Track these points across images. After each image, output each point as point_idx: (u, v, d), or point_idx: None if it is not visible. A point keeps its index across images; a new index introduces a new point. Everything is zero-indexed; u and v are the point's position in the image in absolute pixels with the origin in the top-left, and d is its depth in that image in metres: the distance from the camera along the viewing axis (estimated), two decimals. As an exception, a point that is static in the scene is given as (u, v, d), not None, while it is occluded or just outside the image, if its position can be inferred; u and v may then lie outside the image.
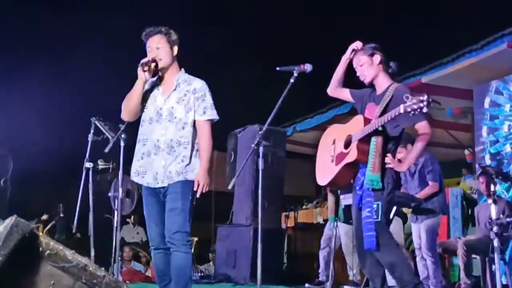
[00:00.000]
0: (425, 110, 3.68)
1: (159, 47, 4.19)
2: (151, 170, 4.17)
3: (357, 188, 4.22)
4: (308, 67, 4.25)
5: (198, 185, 4.11)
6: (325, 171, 4.51)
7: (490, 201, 5.91)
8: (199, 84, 4.24)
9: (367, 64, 4.32)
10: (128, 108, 4.23)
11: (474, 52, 7.63)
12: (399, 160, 4.28)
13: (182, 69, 4.32)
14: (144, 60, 4.13)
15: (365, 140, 4.10)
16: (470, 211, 7.61)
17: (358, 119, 4.32)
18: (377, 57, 4.31)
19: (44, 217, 15.97)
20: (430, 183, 6.53)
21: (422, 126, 4.13)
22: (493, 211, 5.53)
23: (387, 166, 4.12)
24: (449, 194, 7.60)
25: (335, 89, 4.59)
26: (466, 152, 10.03)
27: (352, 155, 4.16)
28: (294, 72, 4.25)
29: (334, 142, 4.50)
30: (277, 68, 4.26)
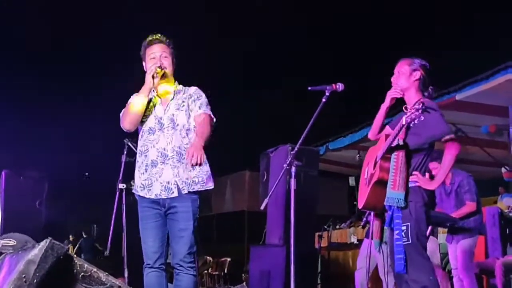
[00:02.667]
0: (422, 118, 3.67)
1: (166, 56, 4.17)
2: (159, 181, 4.05)
3: (387, 208, 4.12)
4: (339, 86, 4.23)
5: (192, 156, 3.86)
6: (362, 195, 4.44)
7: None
8: (193, 89, 4.25)
9: (405, 75, 4.27)
10: (131, 116, 4.10)
11: (510, 69, 7.51)
12: (431, 177, 4.20)
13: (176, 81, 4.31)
14: (156, 67, 4.07)
15: (386, 157, 4.05)
16: (508, 230, 7.45)
17: (381, 137, 4.30)
18: (417, 74, 4.26)
19: (71, 237, 16.17)
20: (467, 202, 6.42)
21: (447, 141, 4.07)
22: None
23: (415, 184, 4.07)
24: (486, 213, 7.46)
25: (377, 135, 4.54)
26: (503, 170, 9.86)
27: (376, 174, 4.11)
28: (326, 91, 4.23)
29: (368, 165, 4.46)
30: (309, 88, 4.25)
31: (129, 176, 6.06)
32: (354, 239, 10.25)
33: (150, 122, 4.13)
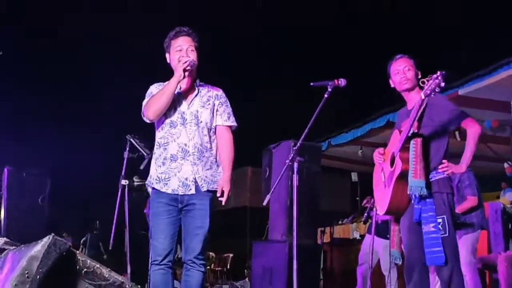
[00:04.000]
0: (442, 84, 3.69)
1: (192, 50, 4.08)
2: (177, 176, 3.99)
3: (415, 202, 4.10)
4: (342, 82, 4.22)
5: (223, 192, 4.01)
6: (382, 198, 4.40)
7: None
8: (220, 91, 4.22)
9: (414, 71, 4.30)
10: (157, 106, 3.98)
11: (512, 63, 7.49)
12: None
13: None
14: (189, 60, 3.99)
15: (405, 147, 4.06)
16: (511, 225, 7.43)
17: (394, 133, 4.31)
18: (418, 73, 4.31)
19: (65, 234, 16.17)
20: (468, 197, 6.40)
21: (467, 123, 4.11)
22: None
23: (443, 175, 4.07)
24: (489, 208, 7.44)
25: None
26: (506, 165, 9.84)
27: (398, 167, 4.10)
28: (328, 87, 4.23)
29: (382, 169, 4.44)
30: (311, 84, 4.24)
31: (132, 173, 6.07)
32: (356, 235, 10.26)
33: (172, 115, 4.05)
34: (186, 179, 3.96)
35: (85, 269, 2.46)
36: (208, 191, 4.02)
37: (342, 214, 12.40)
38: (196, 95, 4.11)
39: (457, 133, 7.03)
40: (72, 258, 2.44)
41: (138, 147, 5.78)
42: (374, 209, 6.37)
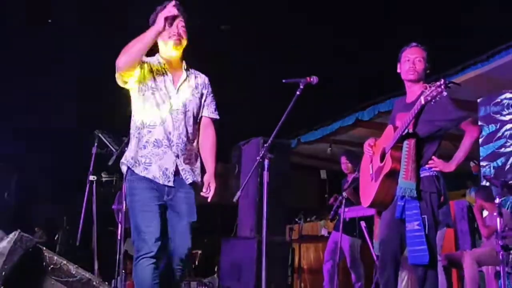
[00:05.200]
0: (444, 93, 3.63)
1: (183, 25, 3.74)
2: (158, 164, 3.63)
3: (398, 199, 4.08)
4: (314, 79, 4.20)
5: (209, 188, 3.77)
6: (367, 191, 4.39)
7: (495, 213, 5.87)
8: (207, 79, 3.96)
9: (424, 65, 4.26)
10: (129, 53, 3.56)
11: (480, 64, 7.61)
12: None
13: None
14: (173, 12, 3.64)
15: (397, 146, 4.04)
16: (476, 223, 7.56)
17: (388, 128, 4.27)
18: (428, 67, 4.29)
19: (37, 229, 15.98)
20: None
21: (467, 125, 4.11)
22: (499, 223, 5.49)
23: (430, 173, 4.07)
24: (455, 206, 7.55)
25: None
26: (472, 164, 9.98)
27: (387, 165, 4.08)
28: (300, 84, 4.20)
29: (371, 161, 4.42)
30: (283, 80, 4.22)
31: (100, 168, 6.02)
32: (324, 232, 10.31)
33: (158, 97, 3.69)
34: (167, 169, 3.63)
35: (51, 266, 2.43)
36: (192, 183, 3.72)
37: (311, 211, 12.46)
38: (184, 80, 3.80)
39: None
40: (39, 255, 2.41)
41: (106, 142, 5.74)
42: (342, 206, 6.39)
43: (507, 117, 8.20)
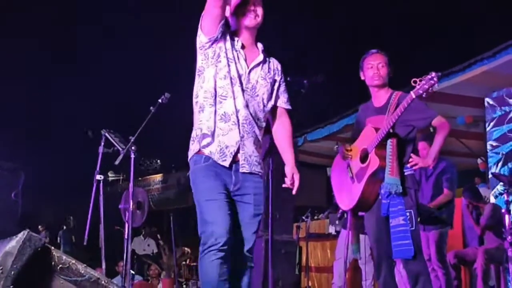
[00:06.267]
0: (436, 86, 3.79)
1: (260, 2, 3.48)
2: (219, 139, 3.35)
3: (383, 197, 4.17)
4: (319, 78, 4.24)
5: (293, 180, 3.51)
6: (348, 194, 4.44)
7: (503, 211, 5.87)
8: (280, 65, 3.65)
9: (387, 69, 4.37)
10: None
11: (486, 60, 7.58)
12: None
13: None
14: None
15: (382, 145, 4.12)
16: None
17: (368, 130, 4.33)
18: (390, 70, 4.39)
19: (40, 228, 16.06)
20: (445, 190, 6.44)
21: (437, 121, 4.22)
22: (507, 220, 5.49)
23: (410, 172, 4.18)
24: (463, 203, 7.53)
25: None
26: (479, 161, 9.97)
27: (373, 163, 4.14)
28: (305, 82, 4.24)
29: (348, 165, 4.46)
30: (288, 79, 4.24)
31: (107, 167, 6.03)
32: (332, 230, 10.30)
33: (234, 70, 3.40)
34: (227, 147, 3.34)
35: (60, 265, 2.44)
36: (260, 175, 3.47)
37: (318, 209, 12.45)
38: (260, 62, 3.51)
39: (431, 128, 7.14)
40: (47, 254, 2.42)
41: (113, 142, 5.74)
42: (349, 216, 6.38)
43: None
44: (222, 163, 3.32)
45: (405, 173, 4.22)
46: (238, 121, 3.34)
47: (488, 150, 8.66)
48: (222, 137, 3.34)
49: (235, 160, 3.36)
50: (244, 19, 3.45)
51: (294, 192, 3.54)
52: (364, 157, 4.26)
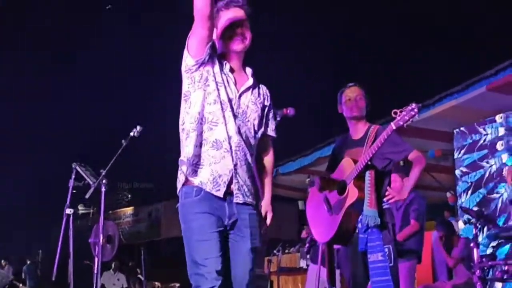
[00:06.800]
0: (417, 117, 3.82)
1: (247, 25, 3.31)
2: (212, 167, 3.12)
3: (360, 231, 4.14)
4: (291, 111, 4.24)
5: (266, 215, 3.32)
6: (325, 226, 4.38)
7: (472, 244, 5.91)
8: (268, 91, 3.48)
9: (365, 102, 4.42)
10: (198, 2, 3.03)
11: (456, 94, 7.72)
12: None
13: None
14: (239, 17, 3.28)
15: (360, 177, 4.11)
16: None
17: (346, 161, 4.31)
18: (368, 103, 4.42)
19: (3, 262, 15.74)
20: (412, 221, 6.44)
21: (414, 155, 4.25)
22: (476, 254, 5.53)
23: (390, 201, 4.18)
24: (432, 236, 7.58)
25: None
26: (448, 194, 10.04)
27: (352, 194, 4.12)
28: (277, 115, 4.24)
29: (325, 197, 4.41)
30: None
31: (77, 200, 5.96)
32: (303, 264, 10.27)
33: (224, 94, 3.20)
34: (220, 176, 3.11)
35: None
36: (257, 206, 3.28)
37: (290, 242, 12.43)
38: (249, 87, 3.34)
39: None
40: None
41: (84, 175, 5.69)
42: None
43: (488, 131, 8.28)
44: (216, 194, 3.09)
45: (383, 207, 4.22)
46: (230, 148, 3.12)
47: (458, 176, 8.74)
48: (215, 165, 3.11)
49: (228, 190, 3.13)
50: (231, 42, 3.29)
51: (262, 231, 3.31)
52: (341, 189, 4.24)
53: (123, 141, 5.48)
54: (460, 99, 7.73)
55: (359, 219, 4.15)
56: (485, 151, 8.23)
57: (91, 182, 5.59)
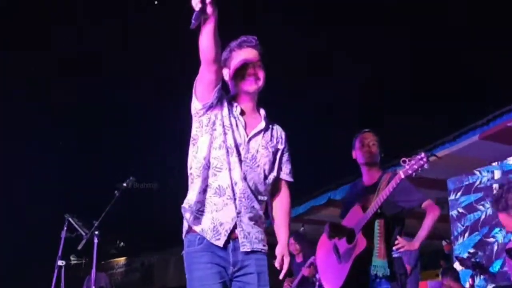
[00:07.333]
0: (426, 166, 3.72)
1: (261, 65, 3.20)
2: (213, 215, 3.02)
3: (370, 282, 4.08)
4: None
5: (282, 262, 3.17)
6: (334, 275, 4.31)
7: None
8: (284, 133, 3.32)
9: (378, 148, 4.40)
10: (204, 36, 2.87)
11: (448, 144, 7.76)
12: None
13: None
14: (252, 59, 3.17)
15: (369, 225, 4.06)
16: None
17: (355, 209, 4.28)
18: (381, 149, 4.41)
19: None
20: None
21: (428, 205, 4.19)
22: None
23: (400, 250, 4.10)
24: (428, 286, 7.52)
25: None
26: (444, 243, 9.99)
27: (361, 244, 4.05)
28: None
29: (335, 245, 4.35)
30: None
31: (69, 251, 5.90)
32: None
33: (231, 139, 3.08)
34: (221, 225, 3.01)
35: None
36: (264, 253, 3.14)
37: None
38: (261, 130, 3.19)
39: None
40: None
41: (76, 226, 5.65)
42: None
43: (484, 173, 8.31)
44: (215, 243, 2.97)
45: (393, 256, 4.15)
46: (234, 195, 3.00)
47: (454, 217, 8.71)
48: (216, 213, 3.00)
49: (232, 238, 3.01)
50: (243, 83, 3.16)
51: (281, 276, 3.24)
52: (350, 237, 4.18)
53: (116, 191, 5.46)
54: (452, 148, 7.78)
55: (368, 269, 4.07)
56: (481, 193, 8.25)
57: (83, 234, 5.55)
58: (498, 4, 11.95)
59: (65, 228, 5.69)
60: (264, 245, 3.12)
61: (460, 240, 8.50)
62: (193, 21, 2.73)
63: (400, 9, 12.94)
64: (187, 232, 3.08)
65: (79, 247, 5.50)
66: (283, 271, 3.16)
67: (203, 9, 2.71)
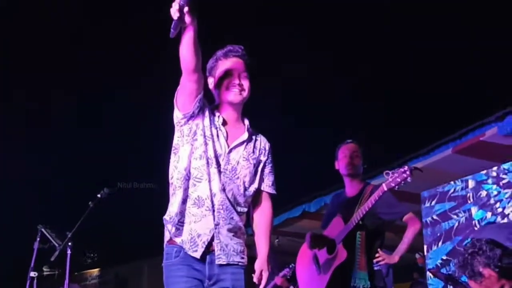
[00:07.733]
0: (409, 179, 3.75)
1: (246, 76, 3.16)
2: (191, 226, 2.98)
3: None
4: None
5: (261, 276, 3.13)
6: (313, 286, 4.30)
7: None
8: (268, 144, 3.28)
9: (361, 160, 4.42)
10: (184, 46, 2.83)
11: (421, 157, 7.82)
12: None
13: None
14: (238, 69, 3.13)
15: (350, 237, 4.06)
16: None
17: (337, 220, 4.28)
18: (363, 160, 4.42)
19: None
20: None
21: (409, 218, 4.23)
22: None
23: (380, 263, 4.12)
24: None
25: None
26: (417, 256, 10.04)
27: (341, 255, 4.05)
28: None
29: (315, 255, 4.35)
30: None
31: (41, 262, 5.84)
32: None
33: (211, 149, 3.03)
34: (199, 236, 2.97)
35: None
36: (242, 266, 3.12)
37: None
38: (243, 141, 3.15)
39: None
40: None
41: (49, 237, 5.60)
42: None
43: (458, 182, 8.39)
44: (193, 254, 2.94)
45: (374, 268, 4.17)
46: (213, 206, 2.96)
47: (427, 223, 8.77)
48: (194, 224, 2.96)
49: (209, 250, 2.98)
50: (228, 93, 3.11)
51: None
52: (331, 248, 4.17)
53: (90, 202, 5.43)
54: (426, 161, 7.84)
55: (349, 279, 4.07)
56: (455, 202, 8.32)
57: (56, 245, 5.50)
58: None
59: (38, 239, 5.64)
60: (242, 257, 3.10)
61: (434, 247, 8.57)
62: (172, 30, 2.71)
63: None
64: (166, 243, 3.05)
65: (52, 258, 5.45)
66: (261, 286, 3.12)
67: (181, 18, 2.68)
